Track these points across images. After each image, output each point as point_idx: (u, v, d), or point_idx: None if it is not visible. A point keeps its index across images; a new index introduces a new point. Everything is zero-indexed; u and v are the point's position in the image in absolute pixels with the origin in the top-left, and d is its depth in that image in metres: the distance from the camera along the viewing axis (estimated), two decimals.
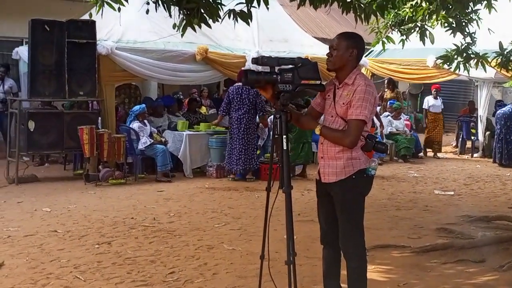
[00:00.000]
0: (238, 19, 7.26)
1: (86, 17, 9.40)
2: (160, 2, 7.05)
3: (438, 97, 14.98)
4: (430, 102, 15.01)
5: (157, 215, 7.64)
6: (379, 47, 10.50)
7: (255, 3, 7.10)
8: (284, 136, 3.96)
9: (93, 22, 10.07)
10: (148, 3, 7.06)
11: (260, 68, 4.63)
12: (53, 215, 7.55)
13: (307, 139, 10.87)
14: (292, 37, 13.32)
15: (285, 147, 3.97)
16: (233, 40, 12.14)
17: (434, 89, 15.03)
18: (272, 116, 9.74)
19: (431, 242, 6.49)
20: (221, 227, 7.11)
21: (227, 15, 7.20)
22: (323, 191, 4.08)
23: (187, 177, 10.77)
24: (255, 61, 3.95)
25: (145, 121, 10.57)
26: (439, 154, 14.79)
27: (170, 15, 7.19)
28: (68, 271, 5.34)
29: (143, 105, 10.66)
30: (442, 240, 6.64)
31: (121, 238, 6.46)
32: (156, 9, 7.00)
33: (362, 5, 7.99)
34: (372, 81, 3.96)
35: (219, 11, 7.25)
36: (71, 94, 10.12)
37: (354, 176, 3.90)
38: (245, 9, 7.13)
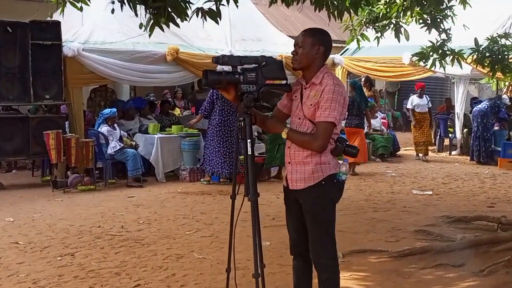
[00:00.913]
0: (207, 17, 7.04)
1: (59, 17, 9.12)
2: (125, 1, 6.80)
3: (424, 96, 13.97)
4: (414, 101, 13.88)
5: (126, 222, 7.33)
6: (354, 45, 10.30)
7: (224, 1, 6.85)
8: (249, 140, 3.71)
9: (58, 23, 9.73)
10: (113, 2, 6.79)
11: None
12: (16, 225, 7.21)
13: (283, 141, 10.49)
14: (265, 35, 13.07)
15: (249, 152, 3.72)
16: (205, 39, 11.86)
17: (419, 88, 14.04)
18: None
19: (410, 245, 6.26)
20: (192, 234, 6.82)
21: (195, 13, 6.99)
22: (291, 198, 3.81)
23: (159, 181, 10.47)
24: (216, 60, 3.68)
25: (115, 124, 10.24)
26: (427, 157, 13.92)
27: (136, 15, 6.91)
28: (26, 287, 5.03)
29: (114, 109, 10.31)
30: (420, 243, 6.42)
31: (85, 249, 6.14)
32: (121, 9, 6.72)
33: (335, 2, 7.80)
34: (340, 80, 3.69)
35: (187, 10, 7.01)
36: (36, 97, 9.75)
37: (323, 182, 3.64)
38: (214, 7, 6.91)
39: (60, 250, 6.08)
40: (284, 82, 3.73)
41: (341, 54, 15.26)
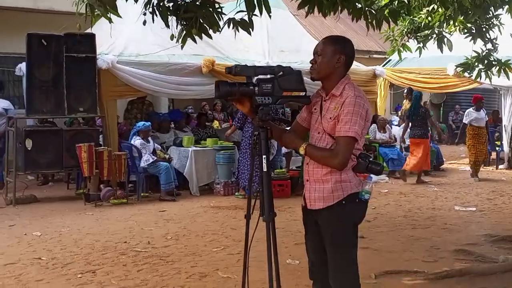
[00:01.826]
0: (239, 28, 6.86)
1: (95, 30, 9.04)
2: (157, 13, 6.68)
3: (481, 109, 12.86)
4: (472, 115, 12.68)
5: (153, 238, 7.14)
6: (396, 56, 10.01)
7: (256, 11, 6.64)
8: (264, 156, 3.46)
9: (93, 36, 9.68)
10: (145, 14, 6.67)
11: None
12: (42, 240, 7.09)
13: None
14: (304, 46, 12.75)
15: (265, 169, 3.47)
16: (242, 51, 11.67)
17: (477, 101, 12.86)
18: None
19: (448, 266, 5.90)
20: (219, 252, 6.58)
21: (226, 24, 6.81)
22: (310, 218, 3.54)
23: (193, 195, 10.28)
24: (229, 70, 3.45)
25: (149, 137, 10.10)
26: (479, 174, 12.57)
27: (168, 26, 6.78)
28: None
29: (148, 123, 10.18)
30: (460, 264, 6.05)
31: (108, 266, 5.95)
32: (153, 20, 6.60)
33: (374, 11, 7.51)
34: (362, 91, 3.41)
35: (219, 21, 6.85)
36: (70, 110, 9.69)
37: (344, 202, 3.36)
38: (246, 18, 6.73)
39: (82, 267, 5.91)
40: (302, 93, 3.47)
41: (383, 66, 14.88)
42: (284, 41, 12.35)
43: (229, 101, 3.66)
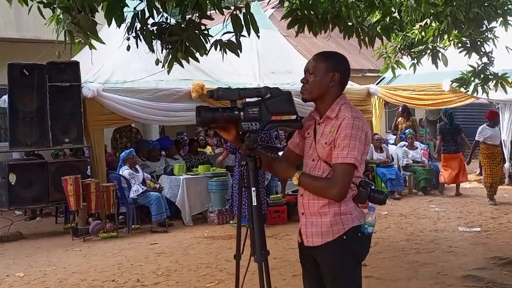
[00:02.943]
0: (227, 50, 6.56)
1: (79, 58, 8.68)
2: (141, 37, 6.36)
3: (495, 126, 11.87)
4: (486, 132, 11.47)
5: (143, 275, 6.74)
6: (390, 73, 9.74)
7: (244, 32, 6.33)
8: (253, 189, 3.10)
9: (77, 63, 9.35)
10: (128, 39, 6.36)
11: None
12: (25, 281, 6.68)
13: None
14: (296, 68, 12.46)
15: (254, 203, 3.11)
16: (232, 74, 11.37)
17: (492, 117, 11.78)
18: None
19: None
20: (213, 287, 6.18)
21: (213, 46, 6.51)
22: (307, 256, 3.17)
23: (186, 225, 9.88)
24: (211, 94, 3.11)
25: (137, 166, 9.74)
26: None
27: (153, 50, 6.47)
28: None
29: (130, 150, 9.83)
30: None
31: None
32: (137, 45, 6.28)
33: (365, 28, 7.24)
34: (360, 112, 3.06)
35: (206, 43, 6.54)
36: (55, 142, 9.30)
37: (345, 237, 3.00)
38: (234, 39, 6.42)
39: None
40: (293, 117, 3.11)
41: (376, 84, 14.57)
42: (275, 62, 12.05)
43: (212, 129, 3.31)
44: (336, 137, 2.95)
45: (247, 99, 3.13)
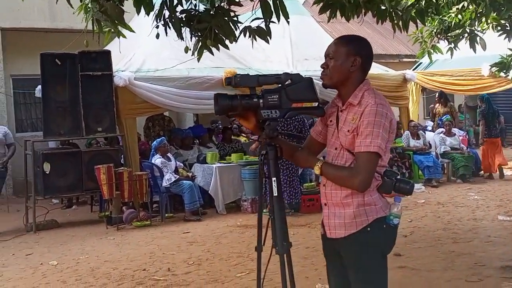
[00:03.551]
0: (257, 37, 6.46)
1: (112, 47, 8.64)
2: (170, 25, 6.31)
3: None
4: None
5: (174, 264, 6.71)
6: (427, 58, 9.50)
7: (274, 18, 6.22)
8: (274, 179, 3.00)
9: (108, 52, 9.34)
10: (157, 27, 6.32)
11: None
12: (58, 269, 6.71)
13: None
14: None
15: (275, 193, 3.01)
16: (264, 61, 11.25)
17: None
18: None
19: (495, 286, 5.37)
20: (243, 277, 6.10)
21: (242, 33, 6.43)
22: (330, 248, 3.05)
23: (219, 213, 9.83)
24: (228, 81, 3.01)
25: (169, 155, 9.71)
26: None
27: (182, 38, 6.42)
28: None
29: (162, 138, 9.80)
30: (508, 283, 5.47)
31: None
32: (166, 33, 6.24)
33: (399, 12, 7.04)
34: (384, 98, 2.92)
35: (235, 30, 6.45)
36: (88, 131, 9.35)
37: (369, 228, 2.87)
38: (263, 25, 6.32)
39: None
40: (315, 104, 2.99)
41: (413, 69, 14.28)
42: (308, 48, 11.87)
43: (231, 117, 3.21)
44: (359, 124, 2.82)
45: (266, 86, 3.02)
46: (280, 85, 2.98)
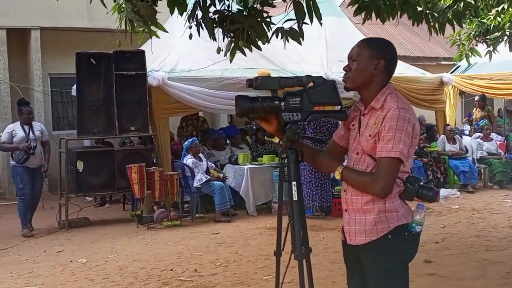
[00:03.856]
0: (289, 38, 6.43)
1: (147, 47, 8.68)
2: (203, 25, 6.33)
3: None
4: None
5: (201, 265, 6.70)
6: (465, 61, 9.35)
7: (307, 19, 6.18)
8: (294, 183, 2.95)
9: (142, 52, 9.41)
10: (190, 27, 6.34)
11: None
12: (87, 267, 6.77)
13: None
14: None
15: (295, 198, 2.96)
16: (299, 63, 11.17)
17: None
18: None
19: None
20: (270, 280, 6.04)
21: (275, 34, 6.41)
22: (351, 256, 2.99)
23: (250, 215, 9.80)
24: (250, 84, 2.97)
25: (200, 155, 9.72)
26: None
27: (214, 38, 6.44)
28: None
29: (193, 139, 9.81)
30: None
31: None
32: (199, 33, 6.26)
33: (436, 14, 6.92)
34: (408, 103, 2.84)
35: (268, 31, 6.43)
36: (121, 130, 9.43)
37: (390, 236, 2.80)
38: (296, 27, 6.28)
39: None
40: (337, 107, 2.93)
41: (451, 72, 14.03)
42: (344, 50, 11.59)
43: (252, 119, 3.17)
44: (380, 129, 2.76)
45: (288, 89, 2.98)
46: (302, 87, 2.94)
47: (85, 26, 13.16)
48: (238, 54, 6.51)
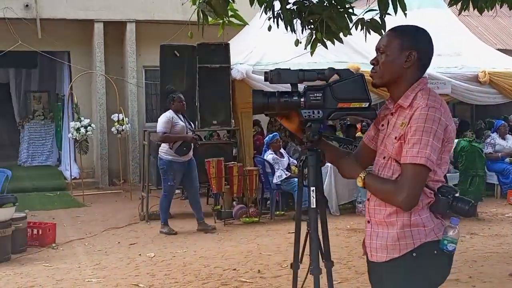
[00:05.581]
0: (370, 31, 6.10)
1: (237, 39, 8.55)
2: (281, 17, 6.13)
3: None
4: None
5: (267, 265, 6.44)
6: None
7: (390, 10, 5.82)
8: (313, 189, 2.64)
9: (227, 45, 9.28)
10: (269, 19, 6.16)
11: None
12: (153, 262, 6.69)
13: (477, 172, 9.12)
14: (466, 49, 11.42)
15: (313, 205, 2.65)
16: None
17: None
18: None
19: None
20: (335, 286, 5.70)
21: (355, 26, 6.09)
22: (374, 271, 2.63)
23: (332, 214, 9.42)
24: (266, 77, 2.68)
25: (282, 151, 9.45)
26: None
27: (293, 30, 6.22)
28: None
29: (274, 134, 9.54)
30: None
31: None
32: (277, 25, 6.07)
33: None
34: (441, 100, 2.43)
35: (349, 22, 6.12)
36: (203, 123, 9.34)
37: (414, 254, 2.41)
38: (377, 18, 5.93)
39: None
40: (365, 104, 2.58)
41: None
42: (442, 43, 11.02)
43: (269, 116, 2.86)
44: (407, 131, 2.37)
45: (308, 83, 2.67)
46: (324, 81, 2.62)
47: (180, 19, 13.21)
48: (330, 47, 6.26)
